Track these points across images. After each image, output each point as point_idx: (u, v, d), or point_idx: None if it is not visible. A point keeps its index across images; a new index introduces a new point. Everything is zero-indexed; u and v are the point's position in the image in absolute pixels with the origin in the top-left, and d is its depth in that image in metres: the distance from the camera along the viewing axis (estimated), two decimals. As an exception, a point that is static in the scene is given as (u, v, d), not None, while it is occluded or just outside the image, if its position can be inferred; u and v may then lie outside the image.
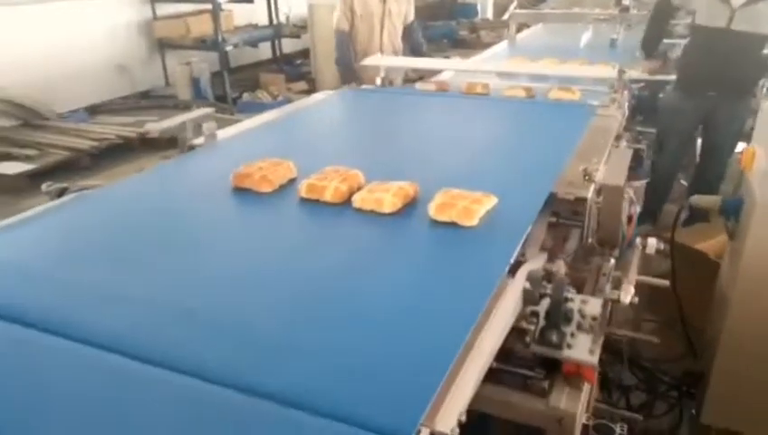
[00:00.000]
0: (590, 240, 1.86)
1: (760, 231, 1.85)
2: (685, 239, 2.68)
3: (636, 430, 1.89)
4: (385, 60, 3.68)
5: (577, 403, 1.27)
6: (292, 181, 1.73)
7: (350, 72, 4.10)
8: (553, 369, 1.34)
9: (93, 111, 6.42)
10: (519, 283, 1.29)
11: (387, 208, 1.51)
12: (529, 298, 1.27)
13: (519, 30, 5.57)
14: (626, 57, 4.18)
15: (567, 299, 1.34)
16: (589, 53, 4.36)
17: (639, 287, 1.59)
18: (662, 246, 1.95)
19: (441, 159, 2.03)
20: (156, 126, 2.38)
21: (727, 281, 2.15)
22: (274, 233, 1.52)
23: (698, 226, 3.06)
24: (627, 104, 2.97)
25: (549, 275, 1.33)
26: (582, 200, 1.73)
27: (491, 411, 1.32)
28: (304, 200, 1.61)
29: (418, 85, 3.06)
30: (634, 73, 3.51)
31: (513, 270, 1.33)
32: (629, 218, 1.93)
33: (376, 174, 1.67)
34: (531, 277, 1.27)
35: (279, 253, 1.38)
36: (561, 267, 1.33)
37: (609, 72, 3.07)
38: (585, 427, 1.49)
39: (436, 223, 1.45)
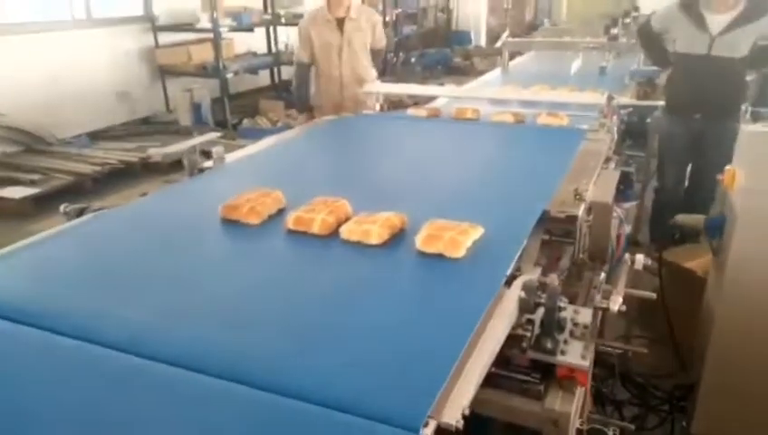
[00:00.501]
0: (581, 256, 1.98)
1: (740, 246, 1.96)
2: (674, 258, 2.78)
3: (628, 438, 1.96)
4: (382, 86, 3.82)
5: (571, 405, 1.36)
6: (281, 211, 1.76)
7: (303, 104, 4.26)
8: (548, 375, 1.43)
9: (95, 136, 6.53)
10: (515, 292, 1.38)
11: (374, 240, 1.54)
12: (524, 307, 1.37)
13: (512, 57, 5.74)
14: (615, 84, 4.34)
15: (560, 308, 1.43)
16: (579, 80, 4.52)
17: (629, 302, 1.67)
18: (650, 262, 2.06)
19: (429, 186, 2.09)
20: (158, 151, 2.51)
21: (713, 296, 2.25)
22: (260, 265, 1.53)
23: (688, 246, 3.16)
24: (615, 128, 3.10)
25: (543, 286, 1.43)
26: (573, 218, 1.85)
27: (491, 414, 1.41)
28: (292, 232, 1.63)
29: (410, 111, 3.17)
30: (623, 100, 3.66)
31: (509, 282, 1.43)
32: (618, 237, 2.05)
33: (365, 203, 1.70)
34: (526, 287, 1.37)
35: (263, 286, 1.40)
36: (554, 280, 1.43)
37: (598, 98, 3.21)
38: (579, 432, 1.58)
39: (423, 254, 1.48)
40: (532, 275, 1.54)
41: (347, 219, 1.64)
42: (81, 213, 1.89)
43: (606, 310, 1.46)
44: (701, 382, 2.18)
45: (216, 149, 2.48)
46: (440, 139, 2.82)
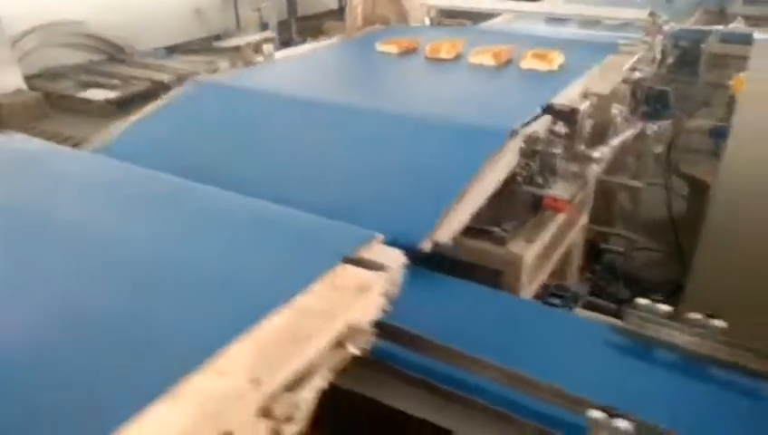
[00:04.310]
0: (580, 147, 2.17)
1: (736, 144, 2.07)
2: (691, 171, 2.88)
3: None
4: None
5: (527, 250, 1.60)
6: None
7: None
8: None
9: (172, 50, 6.94)
10: (517, 142, 1.68)
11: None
12: (523, 153, 1.67)
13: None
14: (679, 11, 4.29)
15: (553, 154, 1.67)
16: (642, 5, 4.47)
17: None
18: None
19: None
20: (226, 64, 2.82)
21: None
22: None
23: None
24: (659, 48, 3.15)
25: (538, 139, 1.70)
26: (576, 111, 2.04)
27: (468, 259, 1.68)
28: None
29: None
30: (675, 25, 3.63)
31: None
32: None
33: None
34: (527, 138, 1.64)
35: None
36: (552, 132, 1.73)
37: (638, 14, 3.24)
38: (546, 286, 1.83)
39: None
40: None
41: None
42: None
43: (589, 157, 1.71)
44: (688, 282, 2.33)
45: (266, 47, 2.79)
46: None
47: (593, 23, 4.03)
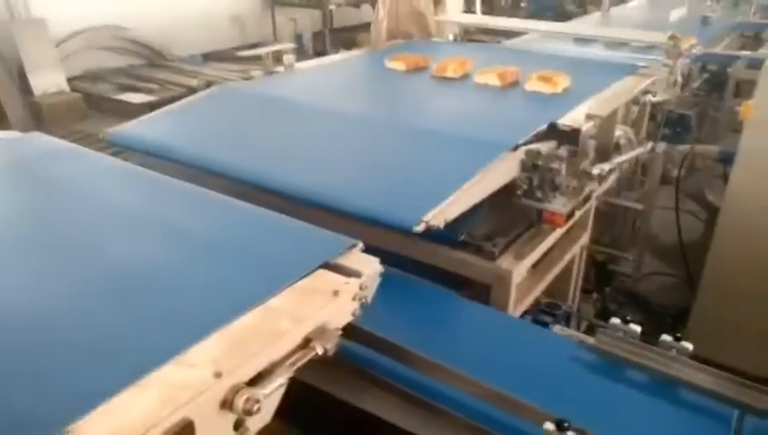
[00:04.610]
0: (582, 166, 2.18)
1: (741, 172, 2.07)
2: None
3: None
4: (460, 16, 4.01)
5: (515, 266, 1.63)
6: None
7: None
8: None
9: (207, 57, 7.15)
10: (518, 155, 1.74)
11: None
12: (524, 166, 1.73)
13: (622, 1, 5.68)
14: (712, 35, 4.25)
15: (552, 169, 1.72)
16: (674, 28, 4.45)
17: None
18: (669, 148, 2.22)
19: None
20: (258, 72, 2.93)
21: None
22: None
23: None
24: (679, 71, 3.14)
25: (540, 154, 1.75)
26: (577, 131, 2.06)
27: (460, 271, 1.72)
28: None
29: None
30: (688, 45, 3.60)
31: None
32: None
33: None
34: (528, 152, 1.72)
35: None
36: (553, 149, 1.78)
37: (659, 36, 3.23)
38: (537, 302, 1.85)
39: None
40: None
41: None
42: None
43: (588, 174, 1.74)
44: (693, 306, 2.33)
45: (286, 57, 2.89)
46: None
47: (620, 44, 4.03)
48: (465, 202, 1.47)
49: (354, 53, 3.47)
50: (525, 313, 1.78)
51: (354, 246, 1.24)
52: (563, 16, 11.31)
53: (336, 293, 1.10)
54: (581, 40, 4.08)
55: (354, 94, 2.60)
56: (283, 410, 1.27)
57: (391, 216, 1.39)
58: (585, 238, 2.18)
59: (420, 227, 1.33)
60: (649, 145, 2.25)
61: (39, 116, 5.23)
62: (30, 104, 5.28)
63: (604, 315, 2.66)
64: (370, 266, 1.18)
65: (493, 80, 2.44)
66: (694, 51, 3.58)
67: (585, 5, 11.79)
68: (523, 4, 11.16)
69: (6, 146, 1.84)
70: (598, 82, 2.42)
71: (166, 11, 6.80)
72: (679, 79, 3.24)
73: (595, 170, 1.86)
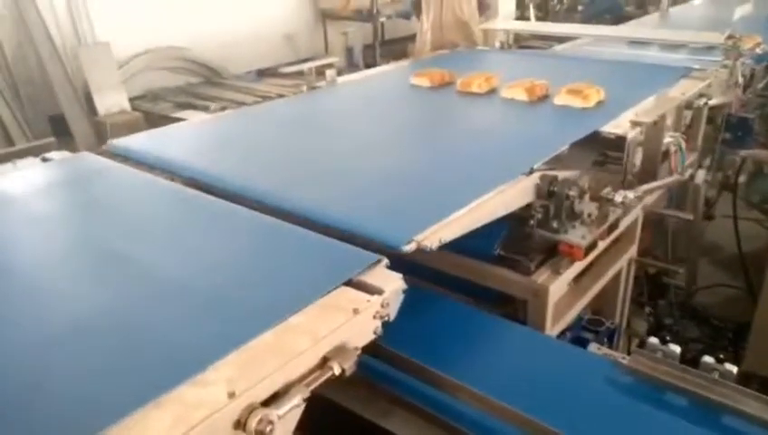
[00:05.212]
0: (629, 176, 2.09)
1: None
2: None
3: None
4: (506, 24, 3.96)
5: (552, 282, 1.58)
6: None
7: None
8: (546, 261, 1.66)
9: (262, 73, 7.33)
10: (532, 180, 1.62)
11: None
12: (539, 192, 1.61)
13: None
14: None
15: (569, 196, 1.61)
16: (739, 27, 4.25)
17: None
18: (709, 177, 2.10)
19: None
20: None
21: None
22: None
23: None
24: (740, 72, 3.00)
25: (556, 180, 1.64)
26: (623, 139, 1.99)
27: (496, 287, 1.68)
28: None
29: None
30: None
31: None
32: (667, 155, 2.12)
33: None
34: (543, 177, 1.62)
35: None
36: (574, 175, 1.64)
37: (716, 37, 3.09)
38: (578, 319, 1.79)
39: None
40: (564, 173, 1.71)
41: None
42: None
43: (610, 201, 1.65)
44: (753, 320, 2.19)
45: (328, 72, 2.93)
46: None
47: (679, 45, 3.87)
48: (467, 224, 1.38)
49: (396, 65, 3.47)
50: (567, 329, 1.73)
51: (379, 261, 1.23)
52: (622, 19, 11.00)
53: (356, 311, 1.09)
54: (637, 42, 3.95)
55: (373, 112, 2.53)
56: (306, 427, 1.27)
57: (381, 234, 1.30)
58: (632, 251, 2.09)
59: (410, 247, 1.26)
60: (687, 173, 2.06)
61: (102, 134, 5.48)
62: (94, 123, 5.55)
63: (658, 330, 2.55)
64: (393, 283, 1.17)
65: (520, 94, 2.35)
66: (758, 50, 3.41)
67: (645, 6, 11.45)
68: (580, 8, 10.90)
69: (58, 166, 1.95)
70: (640, 90, 2.33)
71: (222, 31, 7.02)
72: (740, 80, 3.08)
73: (618, 198, 1.69)
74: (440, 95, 2.60)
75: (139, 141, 2.08)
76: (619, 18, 10.98)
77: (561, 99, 2.27)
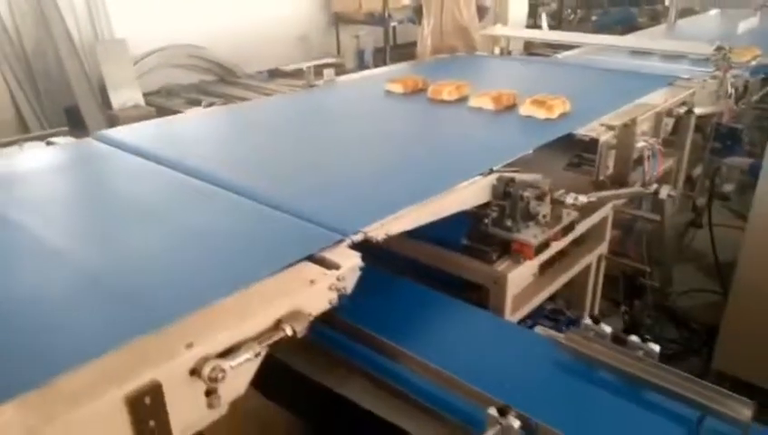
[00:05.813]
0: (601, 177, 2.18)
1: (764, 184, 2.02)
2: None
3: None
4: (504, 30, 4.06)
5: (511, 271, 1.68)
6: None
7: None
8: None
9: (273, 73, 7.49)
10: (489, 180, 1.71)
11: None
12: (495, 193, 1.70)
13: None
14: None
15: (523, 197, 1.69)
16: (742, 40, 4.30)
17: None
18: (673, 193, 2.18)
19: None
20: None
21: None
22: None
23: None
24: (730, 83, 3.07)
25: (513, 181, 1.73)
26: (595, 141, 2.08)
27: (461, 274, 1.78)
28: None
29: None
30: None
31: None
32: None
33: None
34: (500, 178, 1.71)
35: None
36: (534, 178, 1.73)
37: (704, 48, 3.17)
38: (540, 308, 1.88)
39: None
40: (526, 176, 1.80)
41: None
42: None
43: (561, 203, 1.73)
44: (722, 322, 2.26)
45: (326, 71, 3.05)
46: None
47: (679, 56, 3.94)
48: (417, 220, 1.47)
49: (388, 68, 3.59)
50: (528, 317, 1.82)
51: (341, 241, 1.34)
52: (634, 30, 10.99)
53: (313, 282, 1.20)
54: (638, 52, 4.03)
55: (346, 115, 2.65)
56: (273, 394, 1.39)
57: (332, 224, 1.40)
58: (602, 248, 2.17)
59: (358, 237, 1.35)
60: (653, 187, 2.12)
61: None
62: (108, 117, 5.73)
63: (634, 329, 2.62)
64: (350, 260, 1.27)
65: (487, 103, 2.42)
66: (753, 62, 3.48)
67: (659, 18, 11.47)
68: (594, 18, 10.95)
69: (63, 149, 2.11)
70: (615, 98, 2.42)
71: (238, 31, 7.19)
72: (730, 91, 3.15)
73: (569, 199, 1.76)
74: (411, 102, 2.68)
75: (121, 133, 2.30)
76: (630, 29, 11.01)
77: (525, 109, 2.33)
